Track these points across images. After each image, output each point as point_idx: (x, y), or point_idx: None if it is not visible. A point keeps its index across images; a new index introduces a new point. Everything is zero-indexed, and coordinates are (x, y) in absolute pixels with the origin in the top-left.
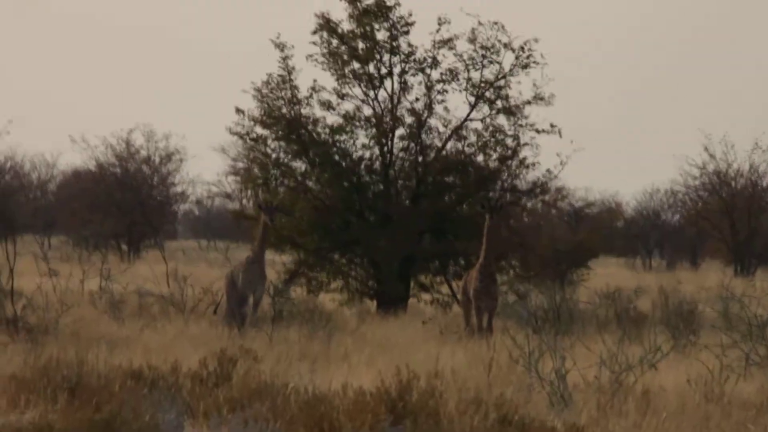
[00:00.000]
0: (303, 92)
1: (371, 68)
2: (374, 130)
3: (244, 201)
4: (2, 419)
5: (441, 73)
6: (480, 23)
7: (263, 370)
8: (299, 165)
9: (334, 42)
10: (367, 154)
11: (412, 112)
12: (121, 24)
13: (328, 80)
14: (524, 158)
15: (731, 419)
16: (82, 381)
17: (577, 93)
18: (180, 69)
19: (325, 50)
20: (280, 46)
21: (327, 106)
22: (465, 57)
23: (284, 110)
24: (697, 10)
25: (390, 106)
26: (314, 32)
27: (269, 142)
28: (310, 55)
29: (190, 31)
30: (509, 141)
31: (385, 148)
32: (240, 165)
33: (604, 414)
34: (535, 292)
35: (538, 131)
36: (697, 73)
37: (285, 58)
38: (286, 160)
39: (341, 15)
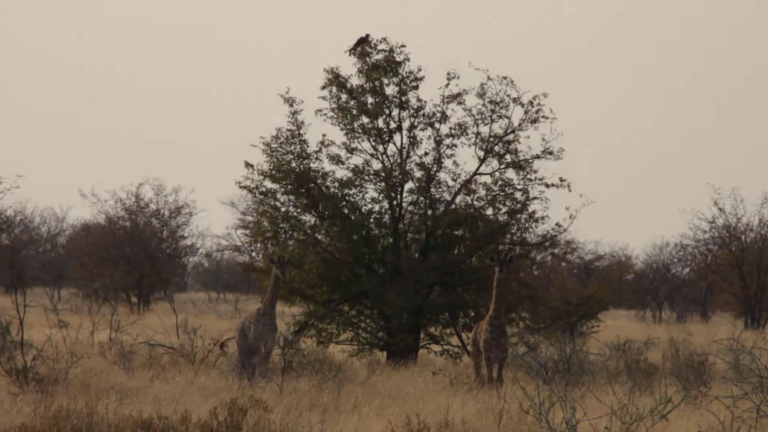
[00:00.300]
0: (312, 146)
1: (380, 123)
2: (383, 184)
3: (254, 254)
4: None
5: (450, 128)
6: (489, 78)
7: (273, 420)
8: (308, 218)
9: (344, 97)
10: (377, 208)
11: (422, 166)
12: (131, 78)
13: (337, 134)
14: (534, 212)
15: None
16: (92, 431)
17: (587, 146)
18: (190, 123)
19: (334, 105)
20: (290, 101)
21: (336, 160)
22: (474, 111)
23: (293, 164)
24: (706, 65)
25: (399, 160)
26: (323, 87)
27: (278, 195)
28: (320, 110)
29: (199, 84)
30: (518, 195)
31: (395, 202)
32: (249, 218)
33: None
34: (545, 344)
35: (547, 185)
36: (707, 127)
37: (294, 113)
38: (295, 214)
39: (350, 70)
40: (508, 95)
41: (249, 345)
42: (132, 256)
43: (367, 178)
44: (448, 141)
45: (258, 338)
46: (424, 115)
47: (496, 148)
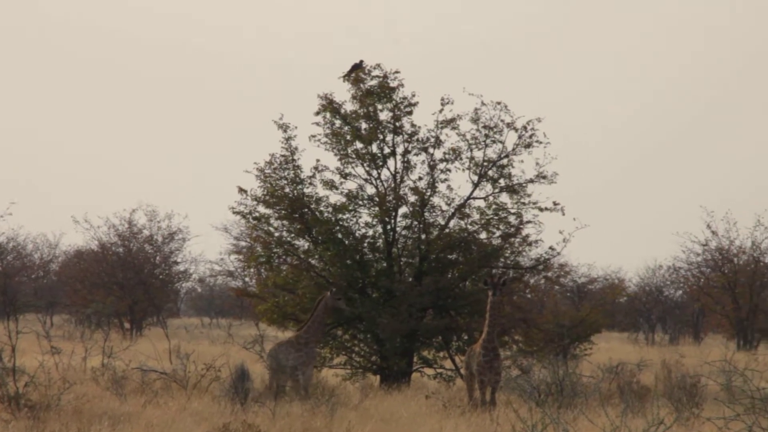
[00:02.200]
0: (306, 171)
1: (374, 148)
2: (377, 208)
3: (247, 279)
4: None
5: (444, 153)
6: (483, 103)
7: None
8: (302, 243)
9: (337, 122)
10: (371, 232)
11: (415, 190)
12: (124, 101)
13: (331, 160)
14: (527, 235)
15: None
16: None
17: (581, 170)
18: (183, 148)
19: (328, 130)
20: (283, 127)
21: (330, 185)
22: (468, 136)
23: (287, 189)
24: (698, 86)
25: (393, 185)
26: (317, 113)
27: (272, 220)
28: (313, 136)
29: (192, 109)
30: (512, 219)
31: (389, 227)
32: (242, 243)
33: None
34: (537, 367)
35: (541, 209)
36: (700, 149)
37: (288, 139)
38: (288, 239)
39: (344, 96)
40: (501, 120)
41: (287, 372)
42: (125, 281)
43: (360, 202)
44: (441, 166)
45: (299, 368)
46: (418, 140)
47: (490, 172)
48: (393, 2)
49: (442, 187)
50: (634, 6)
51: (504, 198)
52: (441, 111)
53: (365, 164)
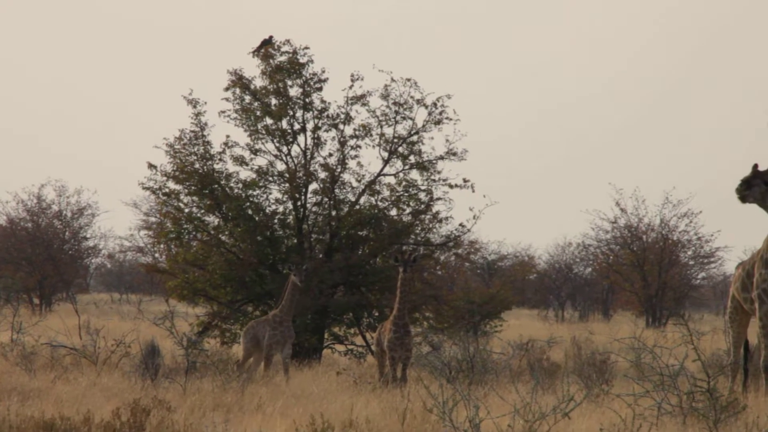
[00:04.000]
0: (216, 148)
1: (284, 124)
2: (287, 185)
3: (157, 255)
4: None
5: (354, 129)
6: (393, 80)
7: (177, 421)
8: (212, 219)
9: (247, 98)
10: (281, 209)
11: (326, 167)
12: (31, 76)
13: (241, 136)
14: (437, 212)
15: None
16: None
17: (491, 148)
18: (92, 123)
19: (237, 106)
20: (193, 102)
21: (240, 161)
22: (378, 113)
23: (197, 165)
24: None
25: (303, 161)
26: (227, 89)
27: (182, 196)
28: (223, 111)
29: (100, 86)
30: (422, 196)
31: (299, 203)
32: (152, 219)
33: None
34: (448, 343)
35: (451, 186)
36: (609, 127)
37: (197, 114)
38: (199, 215)
39: (254, 72)
40: (411, 97)
41: (264, 352)
42: (34, 257)
43: (271, 179)
44: (352, 142)
45: (274, 346)
46: (328, 116)
47: (400, 149)
48: None
49: (352, 163)
50: None
51: (414, 175)
52: (351, 87)
53: (275, 140)
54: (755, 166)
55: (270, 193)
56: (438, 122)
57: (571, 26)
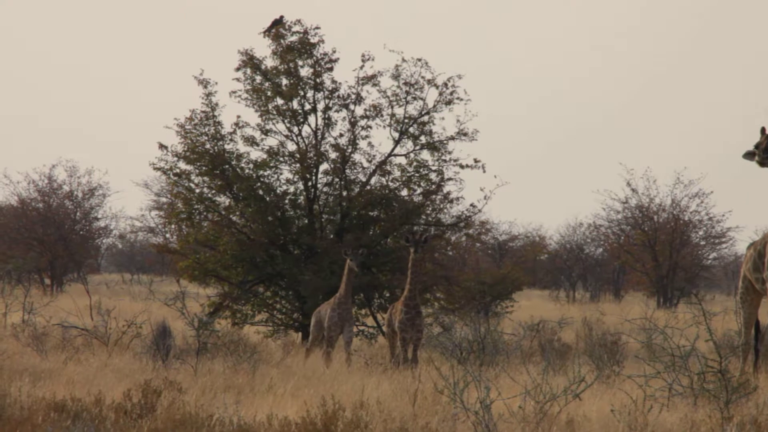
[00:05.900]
0: (227, 128)
1: (295, 104)
2: (298, 165)
3: (168, 235)
4: None
5: (365, 109)
6: (404, 60)
7: (188, 402)
8: (223, 199)
9: (258, 78)
10: (292, 189)
11: (336, 147)
12: (44, 59)
13: (251, 116)
14: (448, 192)
15: None
16: (4, 413)
17: (501, 128)
18: (103, 104)
19: (248, 87)
20: (204, 83)
21: (251, 141)
22: (389, 93)
23: (208, 146)
24: (617, 47)
25: (314, 141)
26: (238, 69)
27: (193, 177)
28: (234, 92)
29: (111, 67)
30: (433, 176)
31: (310, 183)
32: (163, 200)
33: None
34: (459, 324)
35: (462, 166)
36: (621, 106)
37: (208, 95)
38: (209, 195)
39: (265, 52)
40: (422, 77)
41: (327, 334)
42: (45, 237)
43: (281, 159)
44: (363, 122)
45: (333, 328)
46: (338, 96)
47: (411, 129)
48: None
49: (363, 143)
50: None
51: (425, 155)
52: (362, 67)
53: (286, 120)
54: (763, 129)
55: (281, 174)
56: (449, 102)
57: (581, 3)
